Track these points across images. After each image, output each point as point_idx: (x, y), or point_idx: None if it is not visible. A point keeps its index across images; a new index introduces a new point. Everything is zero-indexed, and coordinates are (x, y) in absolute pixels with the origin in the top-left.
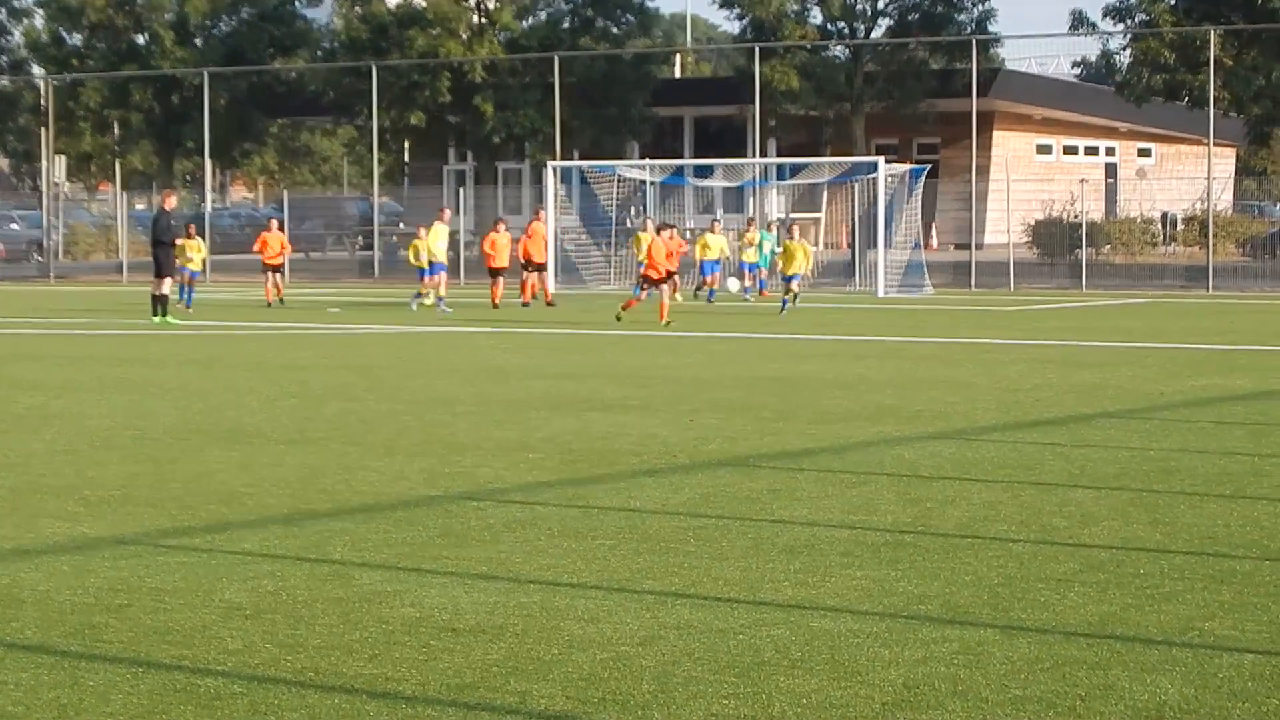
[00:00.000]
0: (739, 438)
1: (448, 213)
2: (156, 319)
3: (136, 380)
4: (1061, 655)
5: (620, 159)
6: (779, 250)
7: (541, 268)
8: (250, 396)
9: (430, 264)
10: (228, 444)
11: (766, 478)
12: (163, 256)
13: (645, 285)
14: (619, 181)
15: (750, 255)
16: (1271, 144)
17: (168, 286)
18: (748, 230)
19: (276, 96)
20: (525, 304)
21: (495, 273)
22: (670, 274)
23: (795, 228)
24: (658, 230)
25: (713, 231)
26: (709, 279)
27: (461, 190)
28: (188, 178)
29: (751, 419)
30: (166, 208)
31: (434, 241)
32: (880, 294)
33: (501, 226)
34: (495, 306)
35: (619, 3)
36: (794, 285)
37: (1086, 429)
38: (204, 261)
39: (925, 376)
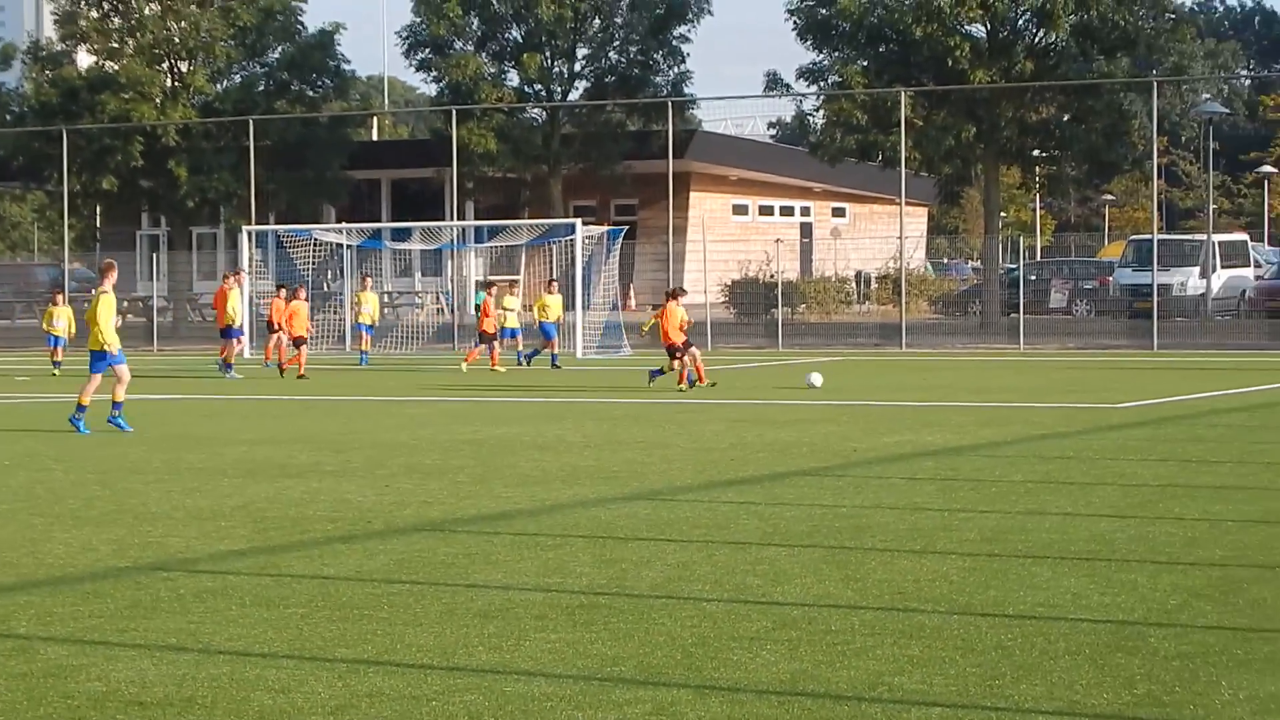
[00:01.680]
0: (435, 502)
1: (242, 276)
2: None
3: None
4: (753, 713)
5: (317, 222)
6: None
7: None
8: None
9: (229, 327)
10: None
11: (462, 542)
12: None
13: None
14: (315, 245)
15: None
16: (962, 203)
17: None
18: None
19: None
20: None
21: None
22: (687, 344)
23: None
24: (672, 296)
25: (550, 292)
26: (552, 342)
27: (155, 255)
28: None
29: (448, 483)
30: None
31: (234, 304)
32: (579, 355)
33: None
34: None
35: (315, 65)
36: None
37: (781, 487)
38: None
39: (623, 437)
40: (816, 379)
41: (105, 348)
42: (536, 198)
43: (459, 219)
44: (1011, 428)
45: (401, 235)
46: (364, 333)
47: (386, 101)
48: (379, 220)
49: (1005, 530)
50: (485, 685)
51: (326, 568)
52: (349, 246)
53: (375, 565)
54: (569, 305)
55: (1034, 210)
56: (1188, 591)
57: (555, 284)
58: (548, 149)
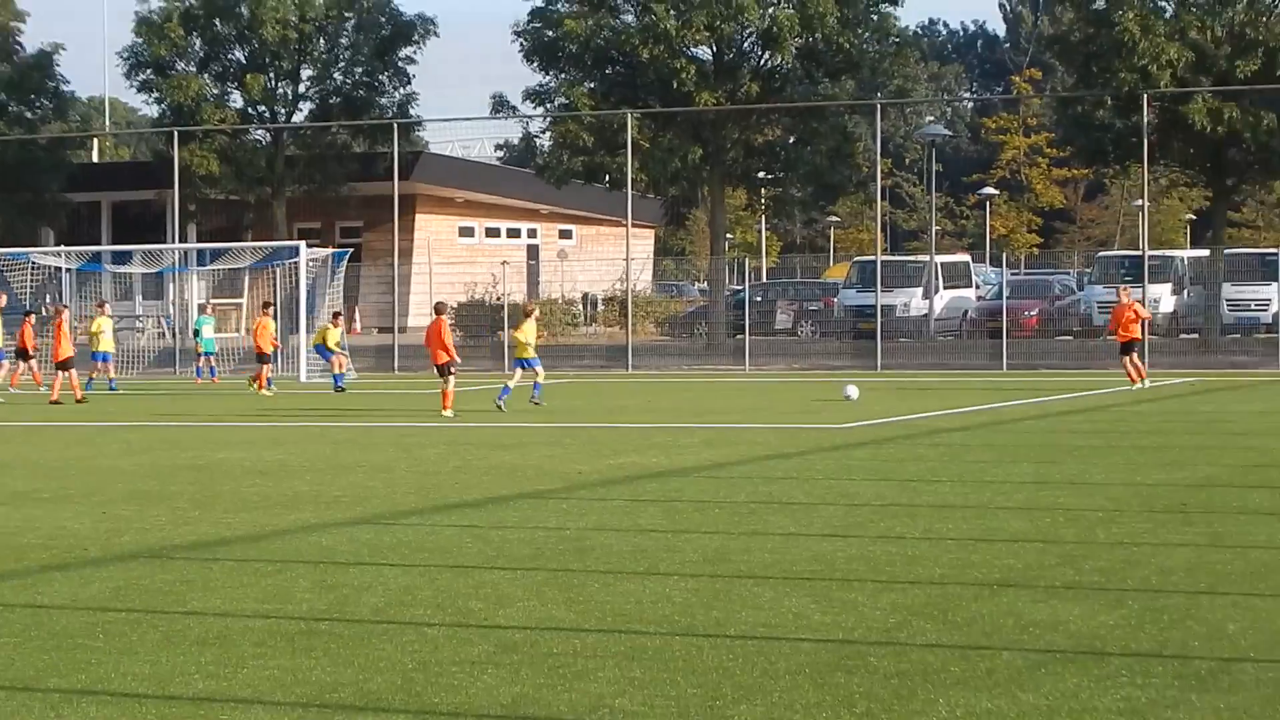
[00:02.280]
0: (153, 529)
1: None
2: None
3: None
4: None
5: (35, 245)
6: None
7: None
8: None
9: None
10: None
11: (180, 569)
12: None
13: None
14: (34, 269)
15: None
16: (688, 224)
17: None
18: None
19: None
20: None
21: None
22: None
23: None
24: (438, 312)
25: (334, 325)
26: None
27: None
28: None
29: (167, 509)
30: None
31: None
32: (302, 379)
33: None
34: None
35: (33, 86)
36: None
37: (504, 510)
38: None
39: (346, 461)
40: (853, 391)
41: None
42: (260, 220)
43: (181, 242)
44: (736, 449)
45: (122, 258)
46: (103, 361)
47: (108, 123)
48: (99, 243)
49: (728, 551)
50: (201, 714)
51: (40, 596)
52: (68, 270)
53: (91, 593)
54: (293, 329)
55: (760, 232)
56: (907, 610)
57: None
58: (272, 171)
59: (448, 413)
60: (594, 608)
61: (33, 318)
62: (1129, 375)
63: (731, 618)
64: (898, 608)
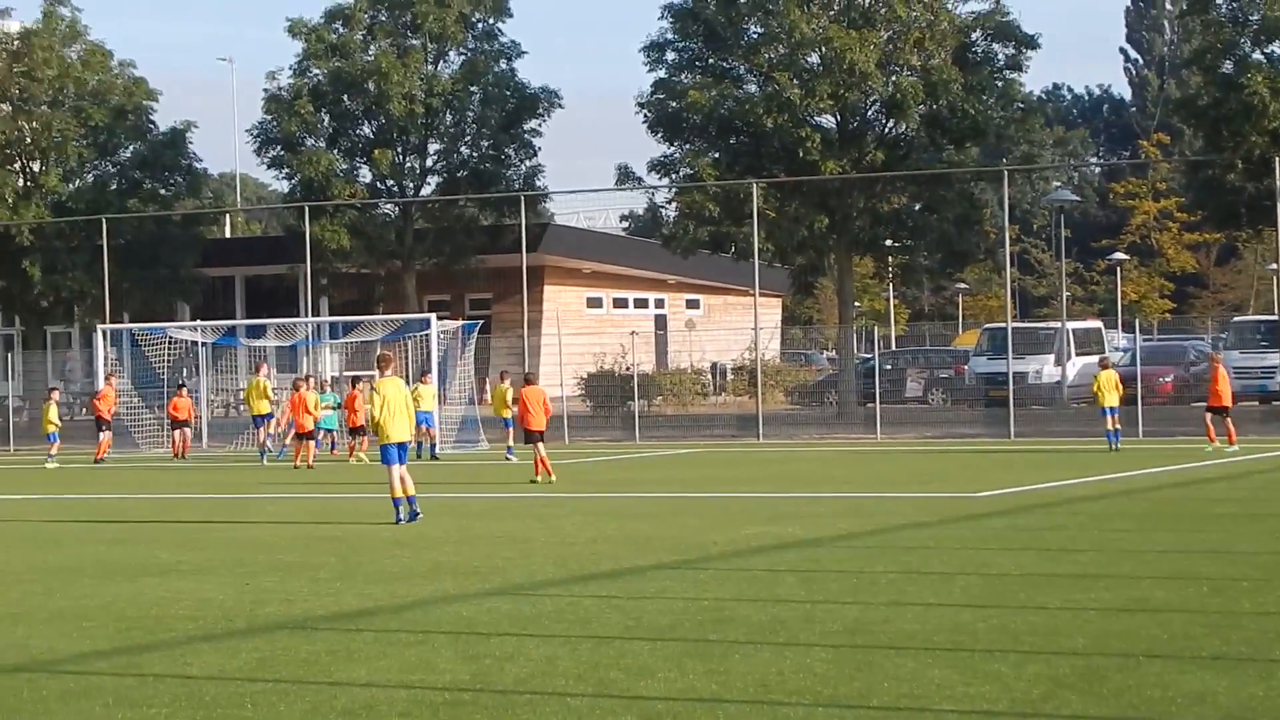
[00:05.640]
0: (296, 599)
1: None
2: None
3: None
4: None
5: (172, 320)
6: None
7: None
8: None
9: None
10: None
11: (324, 639)
12: None
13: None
14: (171, 343)
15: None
16: (816, 293)
17: None
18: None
19: None
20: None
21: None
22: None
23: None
24: (528, 381)
25: (424, 383)
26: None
27: (10, 355)
28: None
29: (309, 580)
30: None
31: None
32: (436, 450)
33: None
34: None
35: (167, 164)
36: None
37: (641, 581)
38: None
39: (482, 532)
40: None
41: None
42: (391, 293)
43: (314, 315)
44: (871, 518)
45: (256, 332)
46: (263, 426)
47: (239, 198)
48: (234, 317)
49: (868, 621)
50: None
51: (189, 667)
52: (204, 344)
53: (238, 664)
54: None
55: (888, 299)
56: (1052, 681)
57: (429, 375)
58: (401, 244)
59: (551, 479)
60: (735, 678)
61: (184, 390)
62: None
63: (874, 688)
64: (1042, 679)
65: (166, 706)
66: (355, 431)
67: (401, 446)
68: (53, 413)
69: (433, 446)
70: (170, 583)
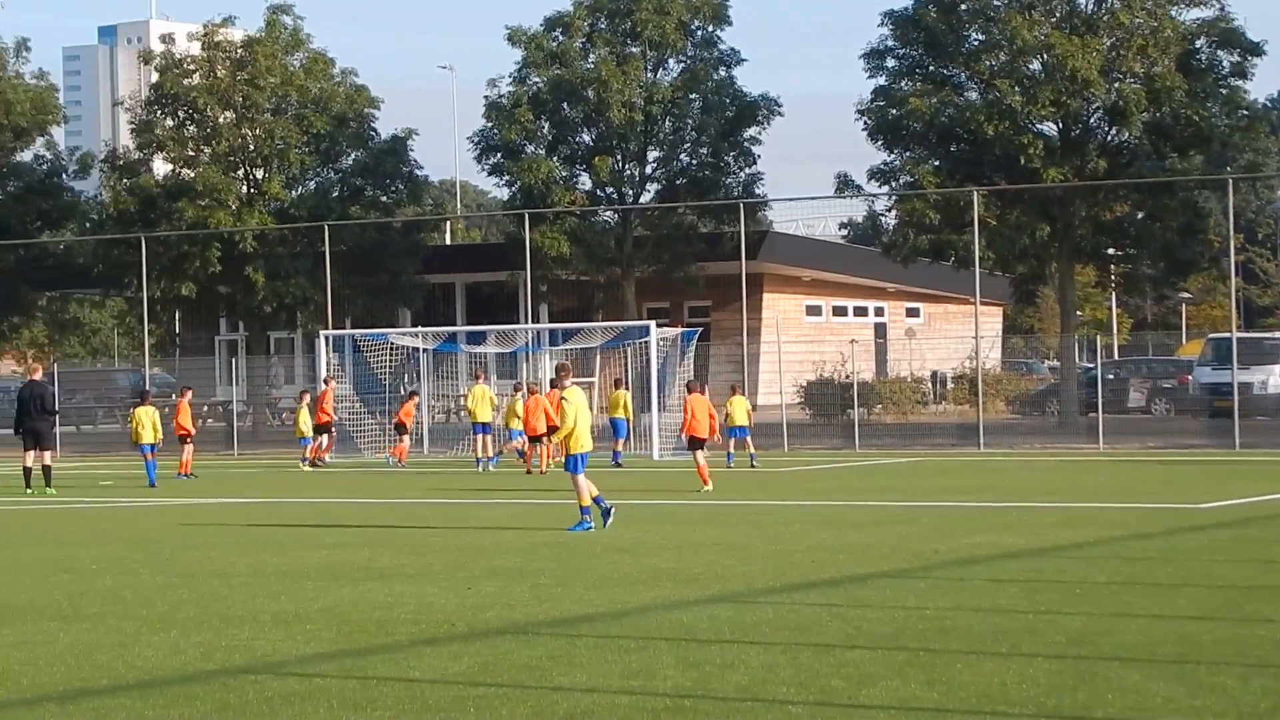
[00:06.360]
0: (517, 604)
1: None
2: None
3: None
4: None
5: (392, 326)
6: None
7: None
8: (22, 572)
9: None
10: None
11: (545, 645)
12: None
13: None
14: (392, 349)
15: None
16: (1038, 302)
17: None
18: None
19: (44, 269)
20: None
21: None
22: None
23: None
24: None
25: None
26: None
27: (234, 360)
28: None
29: (529, 585)
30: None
31: (303, 418)
32: (656, 457)
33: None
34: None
35: (388, 171)
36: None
37: (862, 589)
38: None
39: (701, 539)
40: None
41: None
42: (610, 300)
43: (533, 322)
44: (1094, 529)
45: (477, 338)
46: (485, 434)
47: (459, 205)
48: (454, 324)
49: (1091, 632)
50: None
51: (412, 670)
52: (425, 350)
53: (460, 668)
54: (644, 407)
55: (1110, 308)
56: (1279, 695)
57: (620, 382)
58: (620, 251)
59: (708, 488)
60: (957, 688)
61: (416, 398)
62: None
63: (1098, 700)
64: (1270, 692)
65: (390, 709)
66: (535, 440)
67: (586, 455)
68: (304, 416)
69: (615, 454)
70: (392, 586)
